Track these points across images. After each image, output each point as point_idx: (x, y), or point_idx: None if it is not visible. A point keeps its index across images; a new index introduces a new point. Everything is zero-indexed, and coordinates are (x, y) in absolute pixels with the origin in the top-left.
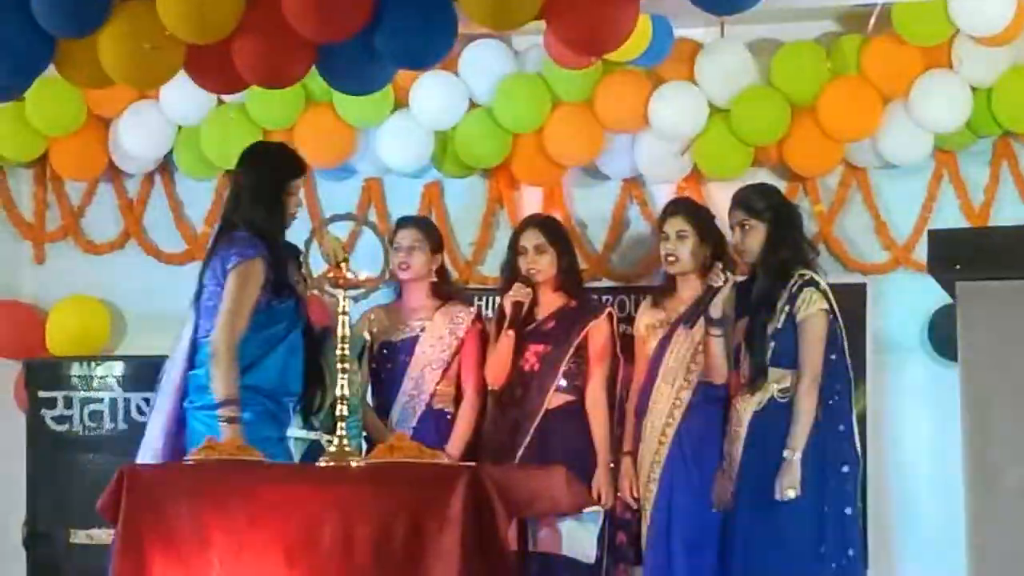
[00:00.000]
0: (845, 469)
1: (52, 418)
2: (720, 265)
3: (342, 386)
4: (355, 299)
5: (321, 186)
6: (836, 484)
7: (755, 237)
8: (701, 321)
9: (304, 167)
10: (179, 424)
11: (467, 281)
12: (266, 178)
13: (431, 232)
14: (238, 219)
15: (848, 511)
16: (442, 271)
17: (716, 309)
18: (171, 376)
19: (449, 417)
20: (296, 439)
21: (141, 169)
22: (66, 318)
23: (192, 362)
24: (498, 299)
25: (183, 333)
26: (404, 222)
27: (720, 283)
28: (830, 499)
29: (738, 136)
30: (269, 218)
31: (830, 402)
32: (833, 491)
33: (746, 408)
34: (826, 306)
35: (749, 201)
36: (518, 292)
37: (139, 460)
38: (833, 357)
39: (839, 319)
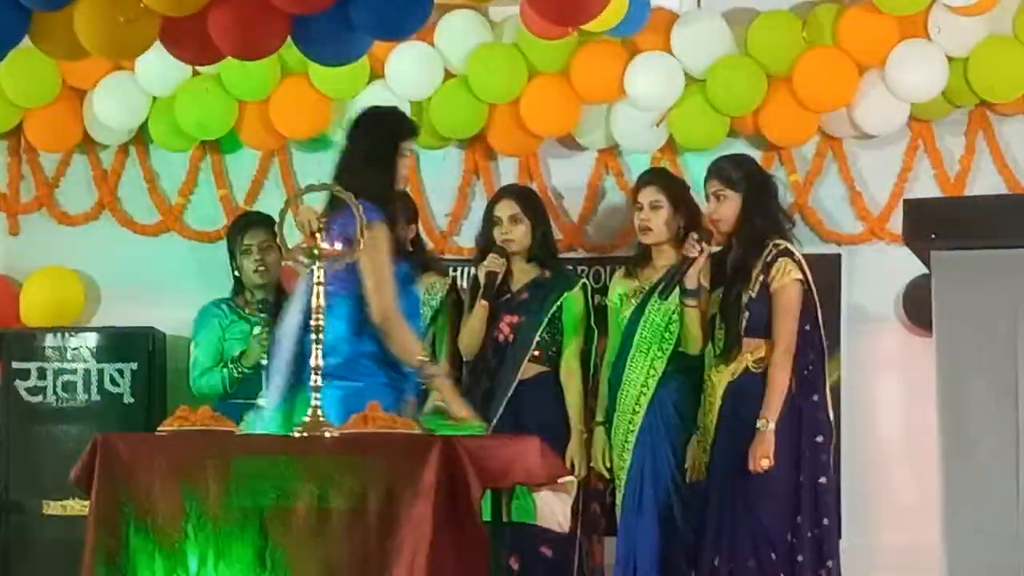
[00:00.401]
0: (819, 439)
1: (26, 389)
2: (695, 235)
3: (316, 356)
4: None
5: (296, 157)
6: (811, 454)
7: (730, 207)
8: (676, 291)
9: (416, 128)
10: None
11: (443, 252)
12: (379, 141)
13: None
14: (351, 185)
15: (823, 481)
16: (418, 241)
17: (691, 279)
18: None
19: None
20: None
21: (115, 140)
22: (40, 289)
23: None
24: (473, 270)
25: (292, 309)
26: None
27: (695, 253)
28: (805, 469)
29: (714, 106)
30: (383, 181)
31: (804, 372)
32: (808, 461)
33: (720, 378)
34: (800, 276)
35: (724, 171)
36: (492, 263)
37: None
38: (807, 327)
39: (813, 289)
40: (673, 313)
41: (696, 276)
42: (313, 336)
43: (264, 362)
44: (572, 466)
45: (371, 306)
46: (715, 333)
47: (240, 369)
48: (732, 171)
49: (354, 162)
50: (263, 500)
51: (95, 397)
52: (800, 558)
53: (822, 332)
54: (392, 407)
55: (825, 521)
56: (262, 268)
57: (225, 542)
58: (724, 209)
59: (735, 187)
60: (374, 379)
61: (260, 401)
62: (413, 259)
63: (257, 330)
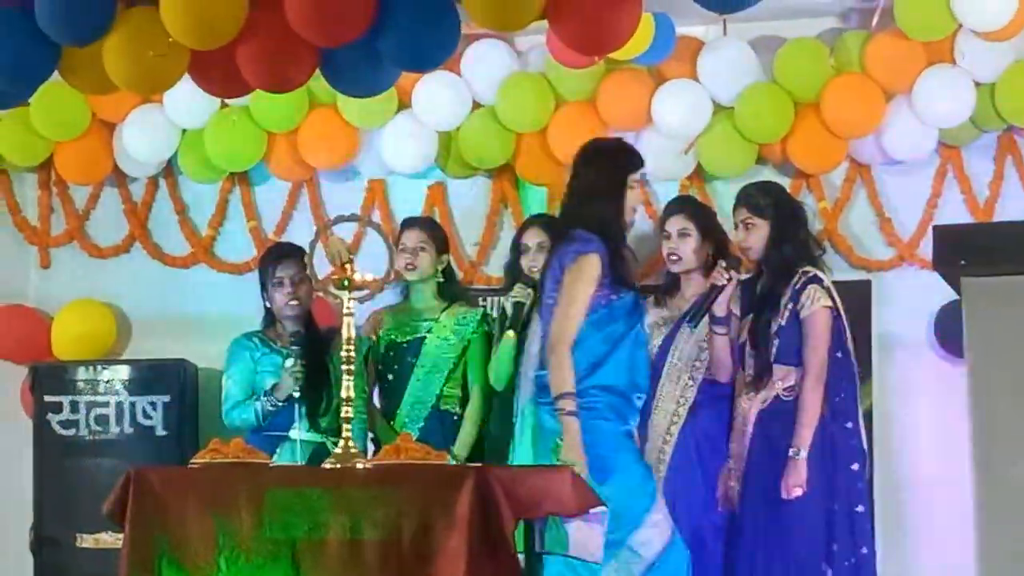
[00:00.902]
0: (855, 467)
1: (58, 423)
2: (724, 263)
3: (347, 388)
4: (360, 300)
5: (325, 188)
6: (847, 482)
7: (759, 235)
8: (705, 319)
9: (642, 161)
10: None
11: (472, 281)
12: (604, 174)
13: (437, 233)
14: (576, 217)
15: (860, 509)
16: (448, 272)
17: (720, 307)
18: (527, 376)
19: (456, 418)
20: (301, 442)
21: (145, 173)
22: (71, 322)
23: (541, 362)
24: (501, 300)
25: (533, 338)
26: (410, 223)
27: (724, 281)
28: (840, 497)
29: (742, 134)
30: (608, 214)
31: (836, 400)
32: (843, 489)
33: (751, 406)
34: (830, 303)
35: (753, 199)
36: (519, 293)
37: None
38: (839, 355)
39: (843, 316)
40: (703, 341)
41: (725, 304)
42: (345, 367)
43: (296, 394)
44: None
45: (550, 329)
46: (745, 361)
47: (273, 402)
48: (760, 199)
49: (579, 194)
50: (295, 532)
51: (127, 430)
52: None
53: (853, 359)
54: (619, 431)
55: (864, 549)
56: (295, 302)
57: (258, 575)
58: (753, 237)
59: (764, 215)
60: (601, 404)
61: (292, 433)
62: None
63: (290, 362)
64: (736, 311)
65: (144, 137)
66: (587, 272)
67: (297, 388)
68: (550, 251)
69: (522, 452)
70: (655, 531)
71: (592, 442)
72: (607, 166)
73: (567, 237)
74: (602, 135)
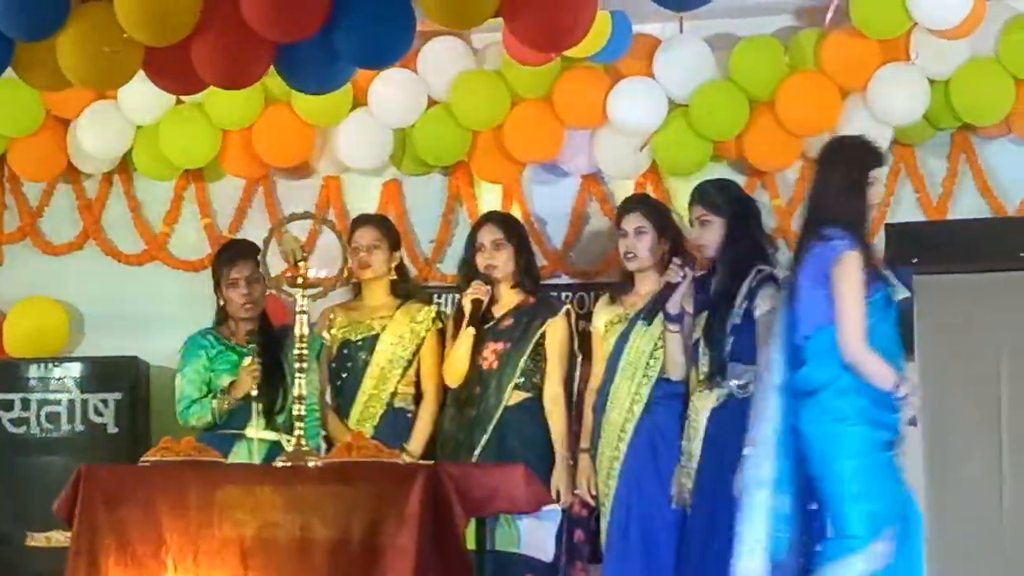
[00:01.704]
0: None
1: (9, 420)
2: (678, 261)
3: (299, 386)
4: (313, 298)
5: (280, 185)
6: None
7: (714, 232)
8: (660, 317)
9: (883, 157)
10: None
11: (427, 279)
12: (849, 171)
13: (390, 230)
14: (825, 214)
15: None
16: (401, 269)
17: (674, 304)
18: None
19: (409, 416)
20: (258, 440)
21: (99, 169)
22: (24, 319)
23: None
24: (457, 297)
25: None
26: (362, 221)
27: (678, 279)
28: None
29: (697, 131)
30: (856, 210)
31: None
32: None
33: (705, 404)
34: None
35: (708, 196)
36: (477, 290)
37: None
38: None
39: None
40: (658, 339)
41: (679, 301)
42: (297, 364)
43: (255, 393)
44: (558, 493)
45: (840, 342)
46: (699, 358)
47: (230, 400)
48: (716, 196)
49: (828, 191)
50: (245, 530)
51: (79, 427)
52: None
53: None
54: (871, 442)
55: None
56: (249, 304)
57: (205, 573)
58: (708, 234)
59: (719, 212)
60: (856, 413)
61: (248, 431)
62: (398, 288)
63: (247, 361)
64: (690, 309)
65: (98, 133)
66: (854, 269)
67: (255, 386)
68: (800, 246)
69: (843, 469)
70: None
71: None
72: (851, 163)
73: (818, 235)
74: (557, 133)
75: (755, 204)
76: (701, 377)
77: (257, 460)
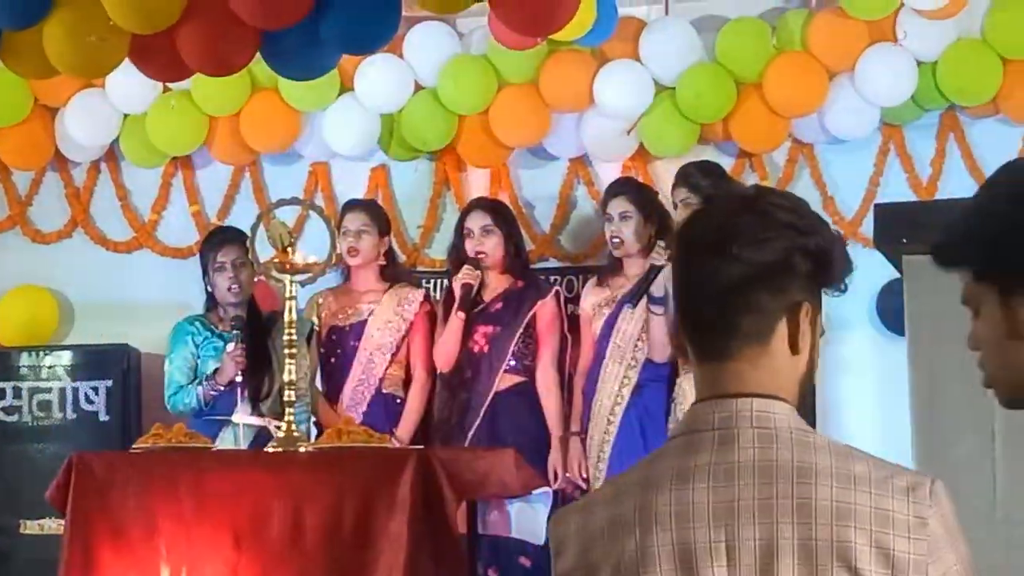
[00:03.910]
0: None
1: (1, 408)
2: (662, 243)
3: (289, 371)
4: (302, 284)
5: (267, 171)
6: None
7: None
8: (645, 299)
9: None
10: None
11: (415, 264)
12: None
13: (379, 215)
14: None
15: None
16: (390, 254)
17: (658, 287)
18: None
19: (399, 401)
20: (244, 426)
21: (87, 158)
22: (14, 308)
23: None
24: (446, 282)
25: None
26: (351, 206)
27: (662, 261)
28: None
29: (684, 113)
30: None
31: None
32: None
33: (691, 386)
34: None
35: (692, 178)
36: (468, 274)
37: None
38: None
39: None
40: (645, 322)
41: (663, 284)
42: (287, 350)
43: (238, 379)
44: (555, 474)
45: None
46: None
47: (214, 386)
48: (699, 178)
49: None
50: (237, 516)
51: (70, 415)
52: None
53: None
54: None
55: None
56: (236, 287)
57: (198, 559)
58: None
59: (702, 194)
60: None
61: (234, 417)
62: (387, 272)
63: (231, 347)
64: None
65: (86, 122)
66: None
67: (239, 372)
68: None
69: None
70: None
71: None
72: None
73: None
74: (544, 117)
75: (738, 186)
76: (688, 359)
77: (243, 446)
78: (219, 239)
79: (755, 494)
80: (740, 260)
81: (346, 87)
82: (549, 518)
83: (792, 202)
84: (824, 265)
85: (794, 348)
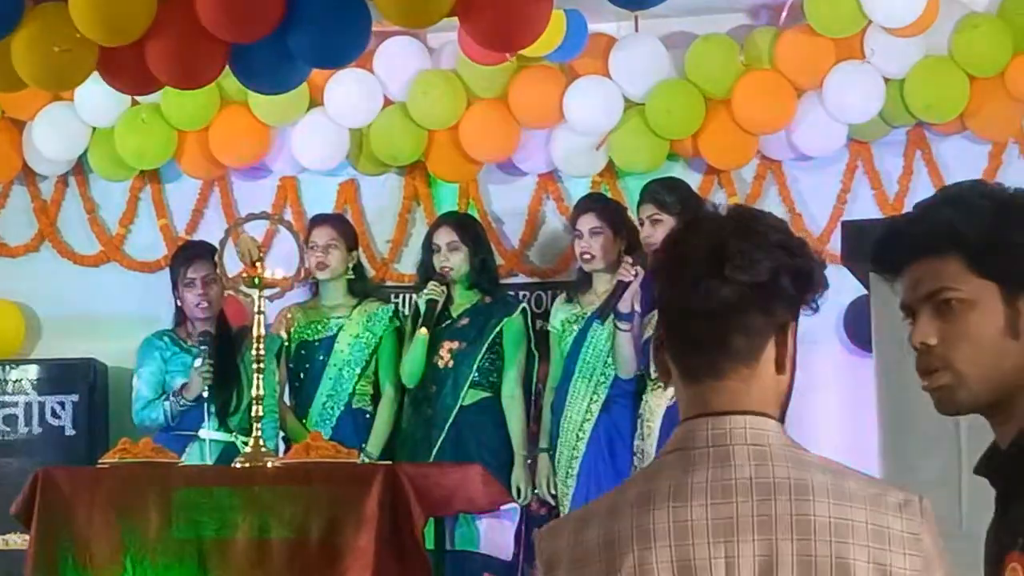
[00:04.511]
0: None
1: None
2: (629, 259)
3: (257, 386)
4: (270, 298)
5: (236, 185)
6: None
7: (664, 230)
8: (612, 316)
9: None
10: None
11: (384, 278)
12: None
13: (347, 230)
14: None
15: None
16: (359, 269)
17: (625, 303)
18: None
19: (368, 416)
20: (211, 441)
21: (55, 171)
22: None
23: None
24: (414, 297)
25: None
26: (319, 220)
27: (629, 277)
28: None
29: (653, 130)
30: None
31: None
32: None
33: (659, 403)
34: None
35: (659, 195)
36: (432, 290)
37: None
38: None
39: None
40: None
41: (630, 300)
42: (256, 365)
43: (205, 394)
44: (518, 491)
45: None
46: (651, 357)
47: (181, 401)
48: (666, 195)
49: None
50: (204, 532)
51: (36, 430)
52: None
53: None
54: None
55: None
56: (205, 303)
57: (164, 575)
58: (659, 233)
59: (669, 210)
60: None
61: (200, 433)
62: (355, 287)
63: (198, 362)
64: (639, 308)
65: (54, 135)
66: None
67: (206, 388)
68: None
69: None
70: None
71: None
72: None
73: None
74: (513, 132)
75: (705, 203)
76: (653, 376)
77: (210, 461)
78: (189, 254)
79: (754, 511)
80: (734, 281)
81: (315, 101)
82: (531, 533)
83: (778, 221)
84: (808, 286)
85: (780, 368)
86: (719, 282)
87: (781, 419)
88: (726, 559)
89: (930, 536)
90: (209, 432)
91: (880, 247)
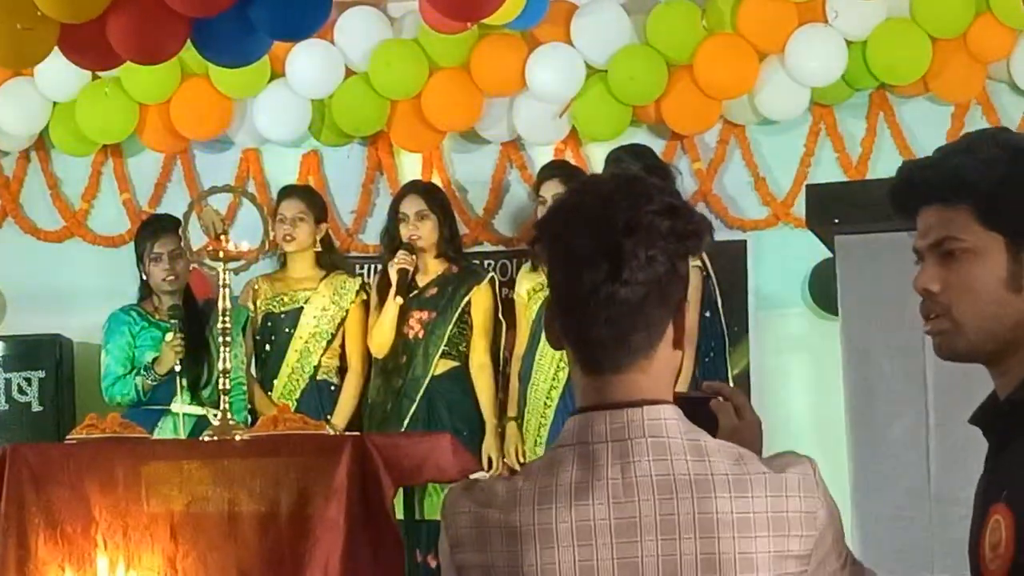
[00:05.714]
0: None
1: None
2: None
3: (225, 359)
4: (235, 271)
5: (199, 159)
6: None
7: None
8: None
9: None
10: None
11: (348, 249)
12: None
13: (316, 202)
14: None
15: None
16: (327, 241)
17: None
18: None
19: (334, 388)
20: (184, 415)
21: (17, 147)
22: None
23: None
24: (379, 267)
25: None
26: (287, 192)
27: None
28: None
29: (615, 96)
30: None
31: (705, 360)
32: None
33: None
34: (699, 263)
35: (622, 162)
36: (403, 259)
37: None
38: (707, 315)
39: (712, 276)
40: None
41: None
42: (222, 338)
43: (178, 368)
44: (490, 460)
45: None
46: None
47: (153, 376)
48: (630, 162)
49: None
50: (174, 505)
51: (3, 406)
52: None
53: (722, 319)
54: None
55: None
56: (172, 277)
57: (135, 550)
58: None
59: None
60: None
61: (173, 407)
62: (323, 259)
63: (169, 336)
64: None
65: (15, 110)
66: None
67: (178, 362)
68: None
69: None
70: None
71: None
72: None
73: None
74: (476, 101)
75: (668, 168)
76: None
77: (183, 435)
78: (155, 228)
79: (656, 510)
80: (633, 283)
81: (277, 73)
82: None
83: (664, 198)
84: (698, 248)
85: (678, 344)
86: (619, 285)
87: (673, 386)
88: (630, 560)
89: (824, 507)
90: (182, 406)
91: (894, 191)
